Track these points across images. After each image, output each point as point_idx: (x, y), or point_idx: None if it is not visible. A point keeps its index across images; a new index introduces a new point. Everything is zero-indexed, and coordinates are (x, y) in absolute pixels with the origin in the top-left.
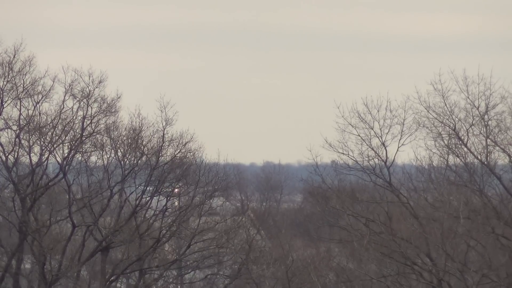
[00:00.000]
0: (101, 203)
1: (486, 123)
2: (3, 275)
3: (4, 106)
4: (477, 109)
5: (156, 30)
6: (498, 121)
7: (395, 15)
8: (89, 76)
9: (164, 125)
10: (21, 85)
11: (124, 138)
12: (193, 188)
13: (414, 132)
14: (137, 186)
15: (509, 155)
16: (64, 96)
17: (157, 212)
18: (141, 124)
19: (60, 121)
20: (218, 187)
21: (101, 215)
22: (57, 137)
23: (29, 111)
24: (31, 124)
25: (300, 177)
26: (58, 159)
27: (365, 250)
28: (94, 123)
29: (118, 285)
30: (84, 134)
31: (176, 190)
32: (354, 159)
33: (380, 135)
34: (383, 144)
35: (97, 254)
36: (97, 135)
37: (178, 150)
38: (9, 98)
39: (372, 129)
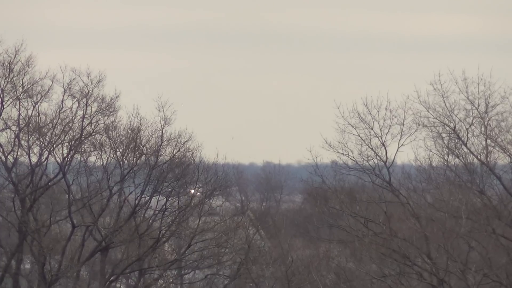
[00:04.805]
0: (100, 203)
1: (486, 123)
2: (3, 275)
3: (4, 106)
4: (477, 109)
5: (155, 30)
6: (499, 121)
7: (395, 15)
8: (88, 76)
9: (162, 124)
10: (21, 86)
11: (123, 138)
12: (192, 188)
13: (414, 132)
14: (136, 186)
15: (509, 155)
16: (63, 96)
17: (157, 212)
18: (140, 123)
19: (59, 121)
20: (217, 186)
21: (100, 215)
22: (56, 137)
23: (28, 111)
24: (30, 124)
25: (300, 178)
26: (58, 159)
27: (365, 250)
28: (93, 122)
29: (118, 285)
30: (83, 134)
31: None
32: (354, 159)
33: (380, 135)
34: (383, 144)
35: (97, 254)
36: (96, 135)
37: (177, 150)
38: (9, 99)
39: (372, 129)
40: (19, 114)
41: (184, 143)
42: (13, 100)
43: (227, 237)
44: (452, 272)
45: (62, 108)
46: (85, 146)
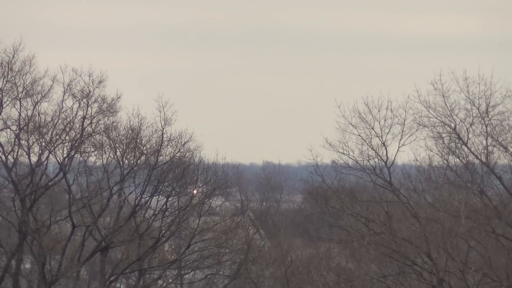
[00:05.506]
0: (100, 203)
1: (486, 122)
2: (3, 275)
3: (4, 106)
4: (477, 109)
5: (155, 30)
6: (501, 121)
7: (395, 15)
8: (89, 76)
9: (163, 124)
10: (21, 85)
11: (123, 138)
12: (192, 188)
13: (415, 132)
14: (136, 186)
15: (510, 155)
16: (63, 96)
17: (157, 212)
18: (140, 124)
19: (60, 121)
20: (217, 187)
21: (100, 215)
22: (57, 137)
23: (28, 111)
24: (30, 124)
25: (300, 177)
26: (58, 159)
27: (365, 250)
28: (94, 123)
29: (118, 285)
30: (84, 134)
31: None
32: (355, 159)
33: (380, 135)
34: (383, 144)
35: (97, 254)
36: (96, 135)
37: (177, 150)
38: (9, 98)
39: (373, 129)
40: (19, 114)
41: (184, 143)
42: (12, 99)
43: (226, 237)
44: (452, 272)
45: (62, 108)
46: (85, 146)
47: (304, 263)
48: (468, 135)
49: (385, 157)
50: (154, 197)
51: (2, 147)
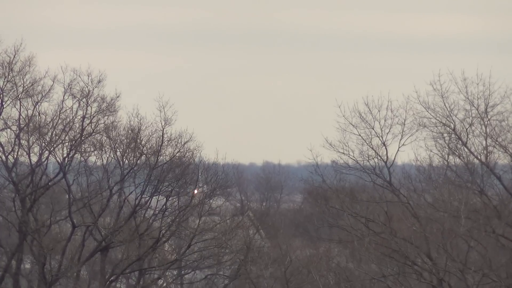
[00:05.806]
0: (100, 203)
1: (485, 123)
2: (3, 275)
3: (4, 106)
4: (477, 109)
5: (156, 30)
6: (500, 121)
7: (395, 15)
8: (88, 76)
9: (163, 124)
10: (21, 85)
11: (123, 138)
12: (192, 188)
13: (415, 132)
14: (136, 186)
15: (509, 155)
16: (64, 96)
17: (157, 212)
18: (140, 124)
19: (60, 121)
20: (217, 187)
21: (100, 215)
22: (56, 137)
23: (28, 111)
24: (30, 124)
25: (300, 177)
26: (58, 159)
27: (365, 250)
28: (93, 122)
29: (118, 285)
30: (83, 133)
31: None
32: (355, 158)
33: (380, 135)
34: (383, 144)
35: (97, 254)
36: (96, 135)
37: (177, 150)
38: (9, 98)
39: (373, 128)
40: (20, 114)
41: (184, 143)
42: (13, 100)
43: (226, 237)
44: (452, 272)
45: (62, 108)
46: (85, 146)
47: (303, 263)
48: (467, 135)
49: (385, 157)
50: (154, 197)
51: (2, 147)
